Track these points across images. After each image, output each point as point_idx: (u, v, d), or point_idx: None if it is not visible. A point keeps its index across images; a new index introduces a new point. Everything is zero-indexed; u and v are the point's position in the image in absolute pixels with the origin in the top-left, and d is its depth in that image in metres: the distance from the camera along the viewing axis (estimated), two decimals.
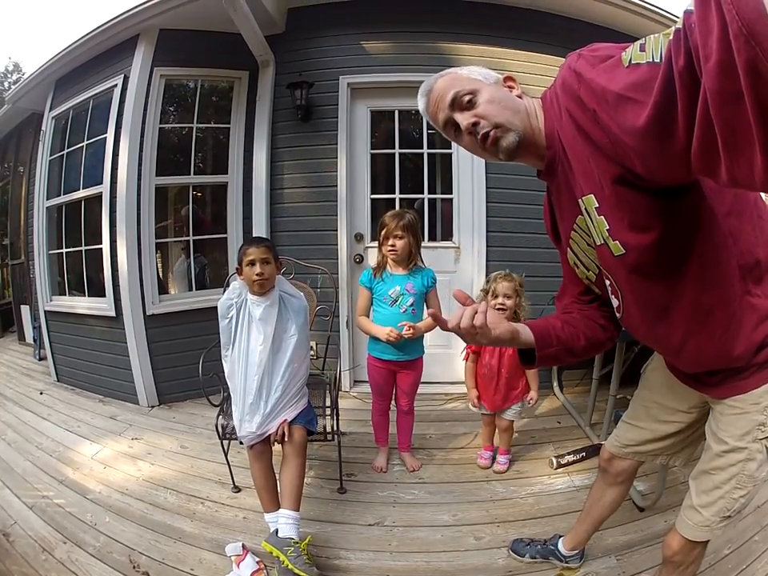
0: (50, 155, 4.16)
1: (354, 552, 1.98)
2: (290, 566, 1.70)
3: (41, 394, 3.98)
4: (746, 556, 1.83)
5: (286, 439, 1.97)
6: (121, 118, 3.43)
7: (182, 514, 2.23)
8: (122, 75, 3.47)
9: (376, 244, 2.44)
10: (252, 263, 1.98)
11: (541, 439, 2.83)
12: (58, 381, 4.22)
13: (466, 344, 2.29)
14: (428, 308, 2.41)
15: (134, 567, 1.89)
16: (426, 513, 2.20)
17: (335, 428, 2.26)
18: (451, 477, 2.47)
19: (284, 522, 1.85)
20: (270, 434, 1.98)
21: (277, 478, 2.00)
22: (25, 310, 5.70)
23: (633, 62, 0.69)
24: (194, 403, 3.50)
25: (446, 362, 3.50)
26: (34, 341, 5.15)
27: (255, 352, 2.01)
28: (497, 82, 1.04)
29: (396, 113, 3.52)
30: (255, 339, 2.02)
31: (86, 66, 3.84)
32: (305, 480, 2.02)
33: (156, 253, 3.62)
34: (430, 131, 3.52)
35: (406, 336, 2.25)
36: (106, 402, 3.68)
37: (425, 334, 2.40)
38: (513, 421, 2.47)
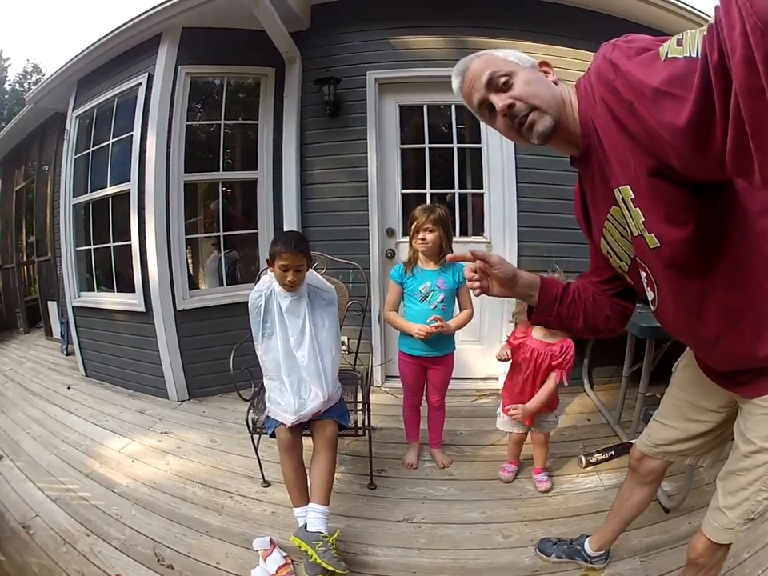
0: (75, 153, 4.18)
1: (381, 548, 1.97)
2: (318, 560, 1.69)
3: (68, 388, 4.00)
4: (764, 560, 1.78)
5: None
6: (147, 115, 3.45)
7: (209, 508, 2.23)
8: (147, 74, 3.48)
9: (407, 239, 2.43)
10: (285, 269, 1.96)
11: (570, 437, 2.80)
12: (86, 376, 4.25)
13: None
14: (459, 304, 2.40)
15: (158, 560, 1.90)
16: (456, 510, 2.18)
17: (366, 423, 2.25)
18: (482, 474, 2.45)
19: (313, 516, 1.84)
20: (301, 428, 1.99)
21: (307, 472, 1.99)
22: (52, 305, 5.76)
23: (670, 56, 0.68)
24: (224, 398, 3.51)
25: (478, 357, 3.49)
26: (62, 336, 5.20)
27: (286, 345, 2.02)
28: (532, 66, 1.03)
29: (425, 108, 3.50)
30: (285, 332, 2.03)
31: (108, 66, 3.86)
32: (335, 475, 2.01)
33: (186, 248, 3.63)
34: (459, 126, 3.50)
35: (434, 330, 2.23)
36: (136, 396, 3.70)
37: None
38: (549, 433, 2.38)
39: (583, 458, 2.48)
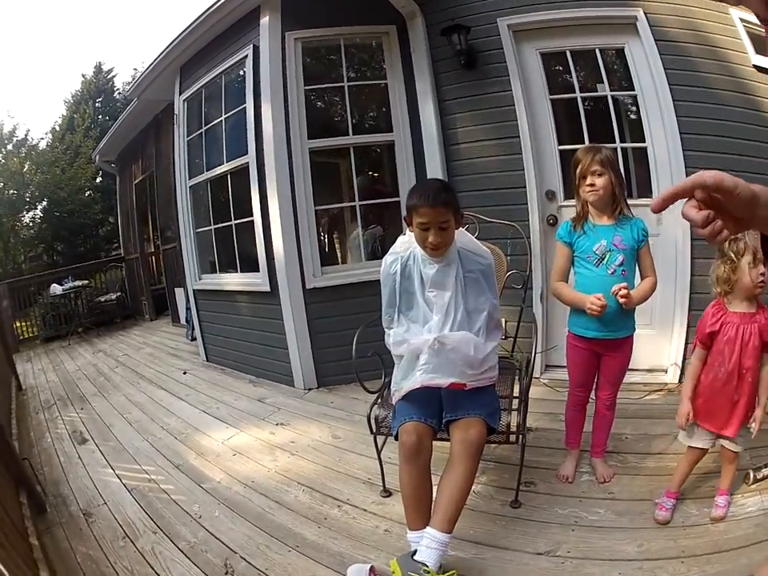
0: (187, 136, 4.22)
1: None
2: None
3: (184, 374, 4.01)
4: None
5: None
6: (258, 86, 3.34)
7: (309, 518, 1.93)
8: (251, 45, 3.40)
9: (570, 202, 1.97)
10: (425, 227, 1.58)
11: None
12: (207, 361, 4.25)
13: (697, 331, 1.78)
14: (640, 270, 1.93)
15: (225, 572, 1.65)
16: (609, 540, 1.73)
17: (521, 425, 1.82)
18: (644, 492, 1.96)
19: (426, 543, 1.45)
20: (432, 431, 1.60)
21: (434, 485, 1.59)
22: (179, 292, 5.92)
23: None
24: (357, 387, 3.20)
25: (646, 344, 2.90)
26: (187, 322, 5.29)
27: (429, 323, 1.67)
28: None
29: (568, 54, 3.07)
30: (427, 307, 1.70)
31: (209, 47, 3.86)
32: (472, 488, 1.61)
33: (323, 220, 3.49)
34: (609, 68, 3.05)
35: (621, 302, 1.76)
36: (258, 383, 3.58)
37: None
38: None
39: (751, 473, 1.92)
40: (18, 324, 6.95)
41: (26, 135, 12.98)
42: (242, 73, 3.51)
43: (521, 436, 1.84)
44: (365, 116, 3.79)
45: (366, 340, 1.98)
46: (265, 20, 3.28)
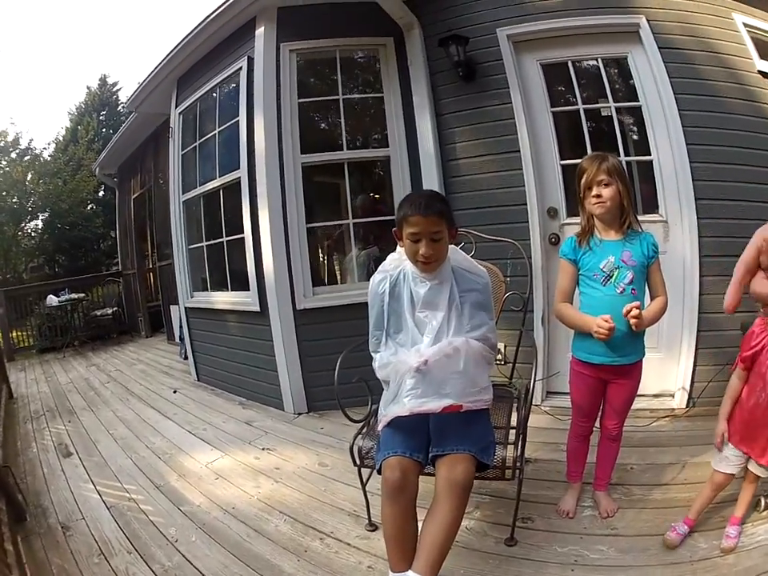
0: (182, 150, 4.16)
1: None
2: None
3: (174, 392, 3.97)
4: None
5: None
6: (252, 98, 3.27)
7: (289, 549, 1.83)
8: (246, 57, 3.34)
9: (573, 220, 1.84)
10: (416, 238, 1.47)
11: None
12: (198, 380, 4.18)
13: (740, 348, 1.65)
14: (650, 288, 1.79)
15: None
16: None
17: (518, 458, 1.67)
18: (650, 527, 1.82)
19: None
20: (418, 466, 1.47)
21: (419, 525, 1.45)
22: (174, 309, 5.84)
23: None
24: (350, 413, 3.11)
25: (653, 368, 2.75)
26: (181, 340, 5.20)
27: (418, 345, 1.54)
28: None
29: (569, 64, 2.98)
30: (417, 330, 1.57)
31: (206, 59, 3.82)
32: (462, 523, 1.48)
33: (315, 239, 3.38)
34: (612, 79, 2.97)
35: (632, 323, 1.62)
36: (247, 405, 3.50)
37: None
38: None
39: (763, 500, 1.80)
40: (15, 333, 7.00)
41: (29, 144, 13.03)
42: (236, 85, 3.45)
43: (518, 471, 1.68)
44: (360, 130, 3.69)
45: (355, 365, 1.85)
46: (260, 30, 3.23)
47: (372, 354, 1.67)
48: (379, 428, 1.62)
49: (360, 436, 1.80)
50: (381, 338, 1.64)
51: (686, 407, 2.71)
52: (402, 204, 1.55)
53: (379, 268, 1.67)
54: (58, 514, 2.18)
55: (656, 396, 2.86)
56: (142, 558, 1.82)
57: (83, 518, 2.11)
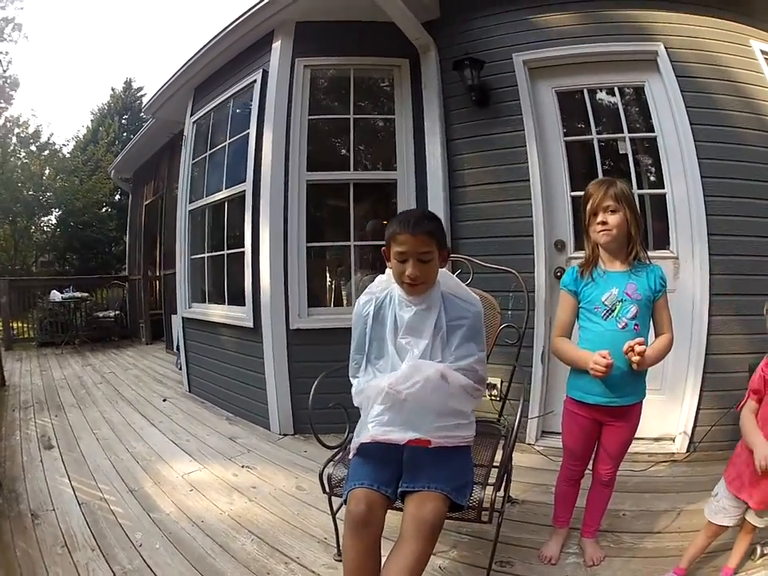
0: (193, 159, 4.16)
1: None
2: None
3: (164, 401, 3.97)
4: None
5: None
6: (263, 111, 3.26)
7: (251, 569, 1.77)
8: (261, 70, 3.34)
9: (582, 254, 1.75)
10: (403, 258, 1.40)
11: None
12: (189, 391, 4.13)
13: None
14: (654, 325, 1.68)
15: None
16: None
17: (497, 502, 1.52)
18: None
19: None
20: (385, 501, 1.35)
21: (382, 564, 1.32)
22: (175, 318, 5.81)
23: None
24: (336, 438, 3.03)
25: (655, 410, 2.63)
26: (178, 349, 5.14)
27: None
28: None
29: (585, 92, 2.93)
30: (398, 357, 1.48)
31: (223, 70, 3.83)
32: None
33: (314, 260, 3.31)
34: (627, 108, 2.90)
35: (634, 360, 1.51)
36: (234, 421, 3.45)
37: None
38: None
39: (758, 548, 1.70)
40: (17, 324, 7.11)
41: (48, 139, 13.24)
42: (249, 98, 3.44)
43: (497, 513, 1.55)
44: (368, 151, 3.64)
45: (336, 390, 1.76)
46: (277, 44, 3.23)
47: (351, 380, 1.59)
48: (350, 456, 1.52)
49: (332, 463, 1.71)
50: (361, 362, 1.55)
51: (687, 452, 2.59)
52: (392, 222, 1.48)
53: (366, 289, 1.59)
54: (30, 501, 2.23)
55: (656, 440, 2.74)
56: (104, 556, 1.82)
57: (54, 510, 2.15)
